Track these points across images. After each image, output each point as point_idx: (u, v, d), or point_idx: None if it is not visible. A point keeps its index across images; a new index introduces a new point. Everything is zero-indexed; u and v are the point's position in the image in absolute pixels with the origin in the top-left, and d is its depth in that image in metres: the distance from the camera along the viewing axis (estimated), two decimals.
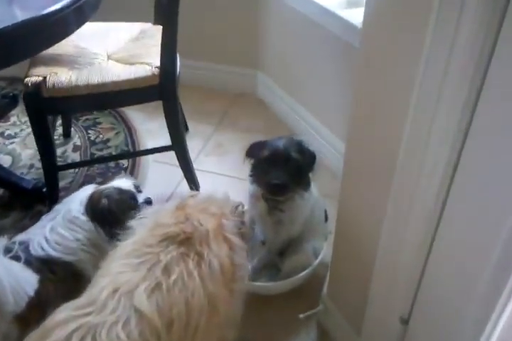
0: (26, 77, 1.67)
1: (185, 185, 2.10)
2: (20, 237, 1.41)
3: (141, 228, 1.21)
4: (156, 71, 1.68)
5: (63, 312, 0.96)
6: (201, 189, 2.12)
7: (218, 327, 1.16)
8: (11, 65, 1.39)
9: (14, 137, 2.46)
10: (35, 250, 1.37)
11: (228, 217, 1.26)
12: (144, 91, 1.69)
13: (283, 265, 1.63)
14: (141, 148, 2.34)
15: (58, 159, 2.28)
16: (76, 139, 2.43)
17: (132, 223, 1.30)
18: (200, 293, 1.06)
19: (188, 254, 1.10)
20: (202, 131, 2.45)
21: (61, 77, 1.64)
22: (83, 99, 1.65)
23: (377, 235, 1.14)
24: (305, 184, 1.50)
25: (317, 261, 1.63)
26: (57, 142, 2.40)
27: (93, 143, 2.39)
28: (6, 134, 2.48)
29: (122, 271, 1.05)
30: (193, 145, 2.36)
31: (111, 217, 1.47)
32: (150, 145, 2.32)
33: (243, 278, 1.26)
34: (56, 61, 1.75)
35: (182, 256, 1.09)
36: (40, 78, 1.64)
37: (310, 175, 1.52)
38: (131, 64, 1.74)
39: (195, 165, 2.23)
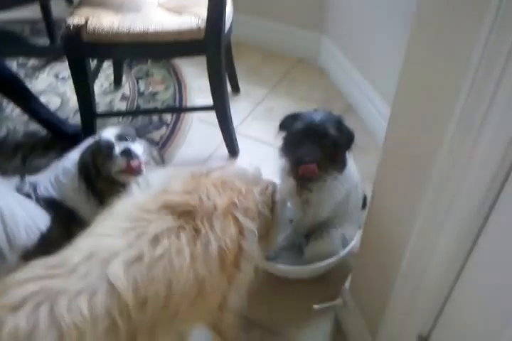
0: (70, 16, 1.59)
1: (225, 148, 2.00)
2: (31, 178, 1.40)
3: (146, 189, 1.12)
4: (202, 24, 1.54)
5: (30, 268, 0.89)
6: (240, 155, 2.02)
7: (206, 312, 1.06)
8: None
9: (68, 80, 2.43)
10: (42, 191, 1.36)
11: (248, 196, 1.13)
12: (187, 45, 1.56)
13: (306, 248, 1.49)
14: (189, 105, 2.24)
15: (104, 107, 2.25)
16: (126, 89, 2.36)
17: (141, 181, 1.22)
18: (188, 274, 0.96)
19: (184, 228, 1.00)
20: (254, 93, 2.30)
21: (103, 21, 1.55)
22: (124, 47, 1.56)
23: (406, 240, 0.97)
24: (340, 165, 1.33)
25: (345, 250, 1.48)
26: (107, 90, 2.36)
27: (141, 94, 2.32)
28: (60, 76, 2.46)
29: (107, 234, 0.96)
30: (242, 107, 2.23)
31: (92, 171, 1.39)
32: (199, 104, 2.21)
33: (249, 267, 1.14)
34: (103, 3, 1.66)
35: (177, 230, 0.99)
36: (82, 20, 1.55)
37: (346, 155, 1.35)
38: (180, 14, 1.60)
39: (239, 129, 2.12)
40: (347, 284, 1.38)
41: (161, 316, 0.93)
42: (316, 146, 1.26)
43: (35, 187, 1.36)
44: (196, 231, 1.00)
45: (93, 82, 1.85)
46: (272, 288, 1.56)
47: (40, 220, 1.31)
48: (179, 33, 1.55)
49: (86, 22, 1.55)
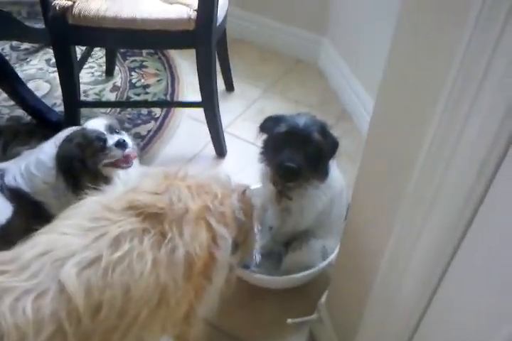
0: None
1: (213, 148, 1.93)
2: (1, 165, 1.34)
3: (114, 188, 1.05)
4: (194, 15, 1.47)
5: None
6: (228, 156, 1.95)
7: (170, 322, 1.00)
8: None
9: None
10: (9, 180, 1.30)
11: (225, 201, 1.06)
12: (176, 35, 1.50)
13: (284, 258, 1.43)
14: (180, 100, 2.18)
15: (94, 96, 2.19)
16: (117, 79, 2.30)
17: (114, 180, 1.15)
18: (149, 280, 0.89)
19: (149, 231, 0.93)
20: (247, 93, 2.24)
21: (91, 4, 1.48)
22: (110, 33, 1.49)
23: (382, 254, 0.91)
24: (322, 173, 1.27)
25: (324, 263, 1.41)
26: (98, 79, 2.30)
27: (133, 86, 2.26)
28: (51, 62, 2.39)
29: (65, 232, 0.89)
30: (234, 106, 2.17)
31: (74, 165, 1.32)
32: (190, 100, 2.15)
33: (221, 277, 1.07)
34: None
35: (141, 232, 0.92)
36: (70, 2, 1.49)
37: (329, 163, 1.29)
38: (171, 3, 1.54)
39: (229, 129, 2.06)
40: (324, 298, 1.32)
41: (117, 324, 0.87)
42: (299, 151, 1.19)
43: (2, 175, 1.29)
44: (162, 235, 0.94)
45: (79, 69, 1.78)
46: (245, 297, 1.50)
47: (1, 211, 1.24)
48: (168, 22, 1.48)
49: (73, 3, 1.49)
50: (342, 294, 1.23)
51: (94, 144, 1.34)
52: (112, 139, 1.37)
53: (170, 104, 2.06)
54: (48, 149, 1.35)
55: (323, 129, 1.24)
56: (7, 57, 2.41)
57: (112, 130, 1.39)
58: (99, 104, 2.01)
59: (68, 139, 1.35)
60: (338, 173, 1.40)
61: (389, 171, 0.88)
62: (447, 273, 0.77)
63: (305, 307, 1.43)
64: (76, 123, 1.80)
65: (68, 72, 1.62)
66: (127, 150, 1.38)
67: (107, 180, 1.38)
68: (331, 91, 2.26)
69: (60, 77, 1.67)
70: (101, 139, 1.35)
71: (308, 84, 2.29)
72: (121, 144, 1.36)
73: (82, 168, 1.33)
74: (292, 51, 2.42)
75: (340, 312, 1.25)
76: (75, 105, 1.73)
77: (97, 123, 1.39)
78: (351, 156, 1.96)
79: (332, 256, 1.41)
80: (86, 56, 1.94)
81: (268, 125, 1.29)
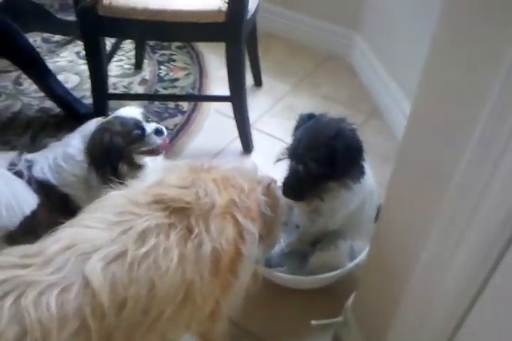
0: None
1: (239, 143, 1.90)
2: (29, 156, 1.33)
3: (140, 181, 1.03)
4: (224, 7, 1.44)
5: (4, 255, 0.82)
6: (254, 151, 1.92)
7: (195, 319, 0.97)
8: None
9: None
10: (37, 172, 1.29)
11: (251, 195, 1.04)
12: (206, 28, 1.47)
13: (311, 258, 1.39)
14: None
15: (122, 89, 2.18)
16: (146, 72, 2.29)
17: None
18: (174, 276, 0.87)
19: (176, 226, 0.91)
20: (276, 88, 2.20)
21: None
22: (139, 25, 1.47)
23: (416, 257, 0.87)
24: (356, 174, 1.23)
25: (351, 264, 1.37)
26: (127, 72, 2.30)
27: (161, 79, 2.24)
28: (81, 54, 2.39)
29: (90, 226, 0.88)
30: (262, 102, 2.14)
31: (113, 154, 1.32)
32: (217, 94, 2.12)
33: (247, 273, 1.05)
34: None
35: (167, 227, 0.90)
36: None
37: (362, 164, 1.24)
38: None
39: (256, 125, 2.03)
40: (350, 301, 1.27)
41: (141, 320, 0.85)
42: (296, 173, 1.17)
43: (30, 166, 1.29)
44: (189, 230, 0.91)
45: (108, 61, 1.77)
46: (270, 296, 1.46)
47: (25, 202, 1.24)
48: (199, 14, 1.46)
49: None
50: (371, 297, 1.19)
51: (134, 132, 1.34)
52: (149, 127, 1.38)
53: (199, 97, 2.04)
54: (75, 142, 1.34)
55: (335, 142, 1.15)
56: (38, 49, 2.43)
57: (146, 118, 1.41)
58: (127, 96, 2.00)
59: (103, 128, 1.33)
60: (370, 173, 1.35)
61: (424, 177, 0.84)
62: (496, 270, 0.72)
63: (330, 308, 1.39)
64: (105, 115, 1.80)
65: (97, 63, 1.61)
66: (164, 138, 1.41)
67: (140, 168, 1.39)
68: (362, 88, 2.20)
69: (89, 69, 1.66)
70: (140, 127, 1.37)
71: (339, 81, 2.24)
72: (159, 132, 1.39)
73: (120, 157, 1.32)
74: (323, 46, 2.37)
75: (368, 316, 1.21)
76: (103, 97, 1.73)
77: (132, 112, 1.39)
78: (383, 155, 1.90)
79: (360, 258, 1.36)
80: (115, 48, 1.93)
81: (299, 125, 1.25)
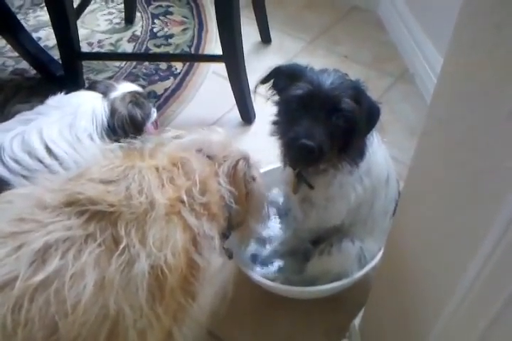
0: None
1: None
2: None
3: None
4: None
5: None
6: (256, 121, 1.62)
7: None
8: None
9: None
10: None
11: (209, 183, 0.77)
12: None
13: (308, 263, 1.11)
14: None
15: (109, 47, 1.89)
16: (138, 27, 1.98)
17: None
18: (88, 312, 0.60)
19: (94, 238, 0.64)
20: (287, 46, 1.86)
21: None
22: None
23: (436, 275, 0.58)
24: (355, 154, 0.91)
25: (360, 273, 1.07)
26: (116, 27, 2.00)
27: (154, 35, 1.93)
28: None
29: None
30: (269, 61, 1.79)
31: (141, 128, 1.24)
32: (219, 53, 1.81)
33: (210, 289, 0.79)
34: None
35: (80, 241, 0.63)
36: None
37: (366, 141, 0.92)
38: None
39: (262, 90, 1.71)
40: (358, 320, 1.00)
41: None
42: (322, 123, 0.84)
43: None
44: (114, 243, 0.64)
45: (80, 13, 1.48)
46: (259, 306, 1.20)
47: None
48: None
49: None
50: (383, 315, 0.91)
51: (148, 109, 1.27)
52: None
53: (185, 57, 1.72)
54: (87, 125, 1.14)
55: (357, 92, 0.87)
56: (21, 1, 2.15)
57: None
58: (103, 55, 1.70)
59: (130, 103, 1.21)
60: (385, 154, 1.04)
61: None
62: None
63: (334, 323, 1.12)
64: (77, 77, 1.52)
65: (60, 17, 1.32)
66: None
67: None
68: (390, 46, 1.84)
69: (52, 23, 1.37)
70: (149, 107, 1.29)
71: (363, 37, 1.88)
72: (154, 105, 1.35)
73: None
74: None
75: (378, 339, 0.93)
76: (73, 57, 1.44)
77: (133, 86, 1.28)
78: (411, 126, 1.58)
79: (372, 264, 1.07)
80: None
81: (279, 79, 0.94)
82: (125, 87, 1.24)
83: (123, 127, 1.18)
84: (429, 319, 0.66)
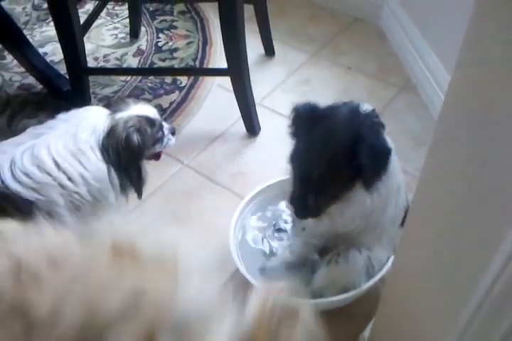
0: None
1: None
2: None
3: None
4: None
5: None
6: (261, 133, 1.63)
7: None
8: None
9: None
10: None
11: None
12: None
13: (316, 274, 1.11)
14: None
15: (115, 62, 1.91)
16: (143, 42, 2.00)
17: None
18: None
19: None
20: (290, 58, 1.88)
21: None
22: None
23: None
24: (370, 182, 0.93)
25: (367, 284, 1.07)
26: (121, 41, 2.02)
27: (159, 50, 1.95)
28: None
29: None
30: (273, 74, 1.82)
31: (141, 156, 1.17)
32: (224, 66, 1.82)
33: None
34: None
35: None
36: None
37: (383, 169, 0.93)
38: None
39: (265, 102, 1.73)
40: (367, 333, 0.99)
41: None
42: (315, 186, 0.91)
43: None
44: None
45: (88, 27, 1.50)
46: None
47: None
48: None
49: None
50: (393, 327, 0.90)
51: (159, 133, 1.22)
52: (165, 128, 1.25)
53: (192, 71, 1.74)
54: (86, 138, 1.11)
55: (360, 139, 0.88)
56: (27, 17, 2.18)
57: (162, 117, 1.28)
58: (108, 70, 1.72)
59: (131, 127, 1.13)
60: (397, 165, 1.04)
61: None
62: None
63: (342, 335, 1.11)
64: (83, 92, 1.54)
65: (67, 31, 1.34)
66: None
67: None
68: (393, 57, 1.85)
69: (58, 37, 1.39)
70: (161, 129, 1.23)
71: (366, 48, 1.89)
72: (173, 132, 1.28)
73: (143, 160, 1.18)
74: (348, 8, 2.01)
75: None
76: (79, 72, 1.46)
77: (151, 110, 1.22)
78: (415, 136, 1.58)
79: (380, 274, 1.07)
80: (97, 11, 1.64)
81: (297, 125, 0.96)
82: (138, 110, 1.18)
83: (117, 150, 1.12)
84: (440, 333, 0.66)
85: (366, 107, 1.05)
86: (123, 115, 1.15)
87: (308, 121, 0.93)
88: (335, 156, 0.89)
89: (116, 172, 1.13)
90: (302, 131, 0.94)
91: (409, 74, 1.76)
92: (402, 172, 1.13)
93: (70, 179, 1.08)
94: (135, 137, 1.12)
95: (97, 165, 1.11)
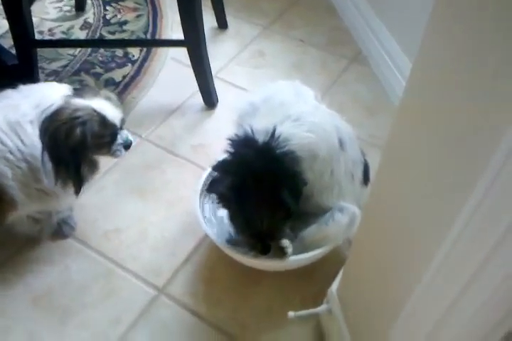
0: None
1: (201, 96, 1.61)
2: None
3: None
4: None
5: None
6: (219, 105, 1.64)
7: None
8: None
9: None
10: None
11: None
12: None
13: (304, 232, 1.14)
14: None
15: (61, 35, 1.84)
16: (89, 15, 1.94)
17: None
18: None
19: None
20: (243, 32, 1.88)
21: None
22: None
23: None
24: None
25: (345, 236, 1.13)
26: (67, 14, 1.94)
27: (107, 22, 1.90)
28: None
29: None
30: (226, 47, 1.83)
31: (81, 153, 1.07)
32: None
33: None
34: None
35: None
36: None
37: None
38: None
39: (221, 74, 1.73)
40: (334, 286, 1.05)
41: None
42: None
43: None
44: None
45: (30, 1, 1.43)
46: (236, 281, 1.23)
47: None
48: None
49: None
50: (361, 277, 0.96)
51: (107, 139, 1.11)
52: (120, 136, 1.14)
53: (146, 42, 1.71)
54: (27, 110, 1.05)
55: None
56: None
57: (122, 124, 1.15)
58: (58, 42, 1.66)
59: (78, 119, 1.03)
60: (332, 120, 1.10)
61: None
62: None
63: (314, 292, 1.18)
64: (31, 66, 1.48)
65: (14, 3, 1.27)
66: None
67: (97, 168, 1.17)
68: (343, 30, 1.90)
69: (5, 10, 1.33)
70: (114, 134, 1.12)
71: (317, 21, 1.92)
72: (128, 146, 1.17)
73: (85, 157, 1.09)
74: None
75: (355, 303, 0.99)
76: (27, 44, 1.40)
77: (115, 112, 1.11)
78: (367, 106, 1.65)
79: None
80: None
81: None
82: (100, 105, 1.08)
83: (54, 136, 1.03)
84: (409, 278, 0.71)
85: (306, 90, 1.11)
86: (79, 102, 1.07)
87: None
88: (272, 202, 0.99)
89: (50, 160, 1.05)
90: (234, 198, 1.02)
91: (360, 46, 1.82)
92: (357, 139, 1.18)
93: (10, 152, 1.04)
94: (78, 130, 1.02)
95: (33, 142, 1.04)
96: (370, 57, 1.77)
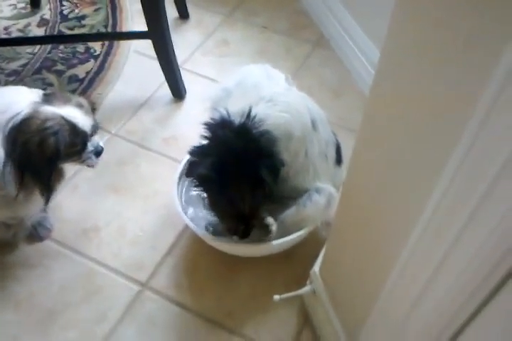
0: None
1: (168, 88, 1.60)
2: None
3: None
4: None
5: None
6: (187, 96, 1.63)
7: None
8: None
9: None
10: None
11: None
12: None
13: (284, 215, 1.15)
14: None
15: (18, 33, 1.79)
16: (46, 11, 1.88)
17: None
18: None
19: None
20: (206, 21, 1.86)
21: None
22: None
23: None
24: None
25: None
26: (22, 12, 1.89)
27: (65, 18, 1.85)
28: None
29: None
30: (190, 38, 1.81)
31: (52, 164, 1.04)
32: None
33: None
34: None
35: None
36: None
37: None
38: None
39: (186, 65, 1.71)
40: (317, 267, 1.07)
41: None
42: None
43: None
44: None
45: None
46: (220, 268, 1.24)
47: None
48: None
49: None
50: (343, 257, 0.98)
51: (78, 147, 1.09)
52: (91, 143, 1.12)
53: (109, 35, 1.67)
54: None
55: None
56: None
57: (93, 131, 1.12)
58: (15, 41, 1.61)
59: (49, 129, 1.00)
60: (304, 101, 1.11)
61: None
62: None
63: (296, 275, 1.19)
64: None
65: None
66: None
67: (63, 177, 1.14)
68: (304, 15, 1.90)
69: None
70: (85, 142, 1.10)
71: (277, 7, 1.92)
72: (98, 153, 1.15)
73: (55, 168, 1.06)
74: None
75: (338, 282, 1.01)
76: None
77: (86, 120, 1.08)
78: (332, 89, 1.66)
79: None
80: None
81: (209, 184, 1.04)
82: (69, 112, 1.04)
83: (24, 147, 0.99)
84: (390, 254, 0.73)
85: (276, 73, 1.12)
86: (49, 110, 1.02)
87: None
88: (252, 181, 0.99)
89: (16, 170, 1.01)
90: (214, 178, 1.01)
91: (322, 30, 1.83)
92: (343, 128, 1.19)
93: None
94: (50, 141, 0.99)
95: None
96: (333, 41, 1.78)
